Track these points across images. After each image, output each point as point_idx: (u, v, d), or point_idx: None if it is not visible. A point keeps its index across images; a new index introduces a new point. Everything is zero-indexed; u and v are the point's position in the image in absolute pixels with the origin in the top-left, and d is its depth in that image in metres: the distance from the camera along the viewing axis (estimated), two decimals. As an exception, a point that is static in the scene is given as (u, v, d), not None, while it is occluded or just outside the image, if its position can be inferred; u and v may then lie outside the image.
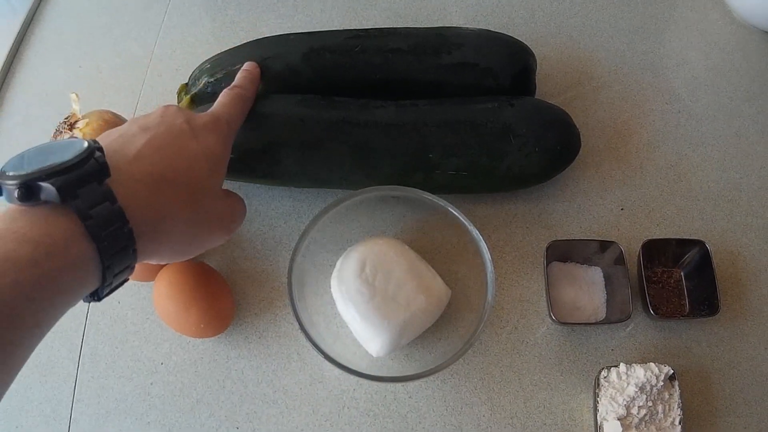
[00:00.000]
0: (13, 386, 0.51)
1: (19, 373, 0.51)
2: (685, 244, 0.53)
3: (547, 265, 0.52)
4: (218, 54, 0.58)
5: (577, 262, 0.55)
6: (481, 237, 0.48)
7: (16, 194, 0.30)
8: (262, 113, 0.53)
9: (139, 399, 0.51)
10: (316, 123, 0.52)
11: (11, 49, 0.69)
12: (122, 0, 0.73)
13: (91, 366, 0.53)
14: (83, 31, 0.71)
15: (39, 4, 0.73)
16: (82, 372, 0.53)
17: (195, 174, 0.39)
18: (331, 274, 0.52)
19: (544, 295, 0.52)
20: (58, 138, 0.54)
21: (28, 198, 0.30)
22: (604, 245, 0.53)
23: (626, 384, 0.48)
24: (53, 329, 0.53)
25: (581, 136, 0.56)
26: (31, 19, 0.72)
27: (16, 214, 0.31)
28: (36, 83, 0.68)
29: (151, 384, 0.52)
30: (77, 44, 0.70)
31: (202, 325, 0.50)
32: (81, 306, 0.55)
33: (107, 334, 0.54)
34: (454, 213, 0.49)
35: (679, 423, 0.47)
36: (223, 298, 0.52)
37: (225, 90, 0.49)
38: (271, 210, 0.58)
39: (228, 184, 0.59)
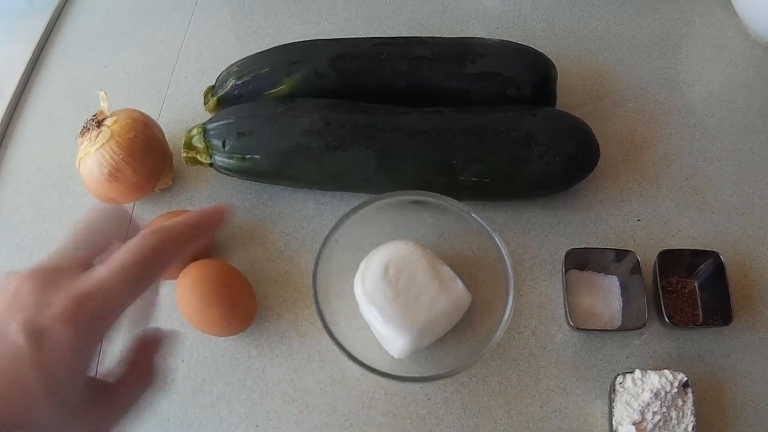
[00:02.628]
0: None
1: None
2: (699, 255, 0.54)
3: (565, 272, 0.53)
4: (246, 57, 0.59)
5: (595, 271, 0.56)
6: (503, 243, 0.49)
7: None
8: (288, 116, 0.54)
9: (158, 396, 0.52)
10: (342, 126, 0.53)
11: (36, 47, 0.70)
12: (149, 1, 0.74)
13: (111, 363, 0.53)
14: (110, 31, 0.73)
15: (65, 3, 0.74)
16: (102, 367, 0.53)
17: (31, 417, 0.27)
18: (354, 276, 0.53)
19: (562, 302, 0.53)
20: (86, 135, 0.55)
21: None
22: (621, 254, 0.54)
23: (641, 390, 0.48)
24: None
25: (600, 148, 0.57)
26: (57, 18, 0.73)
27: None
28: (62, 81, 0.69)
29: (172, 381, 0.52)
30: (103, 44, 0.71)
31: (225, 323, 0.51)
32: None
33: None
34: (477, 219, 0.50)
35: (692, 430, 0.47)
36: (245, 295, 0.53)
37: (133, 240, 0.31)
38: (295, 212, 0.59)
39: (252, 186, 0.60)
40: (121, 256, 0.30)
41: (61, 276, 0.30)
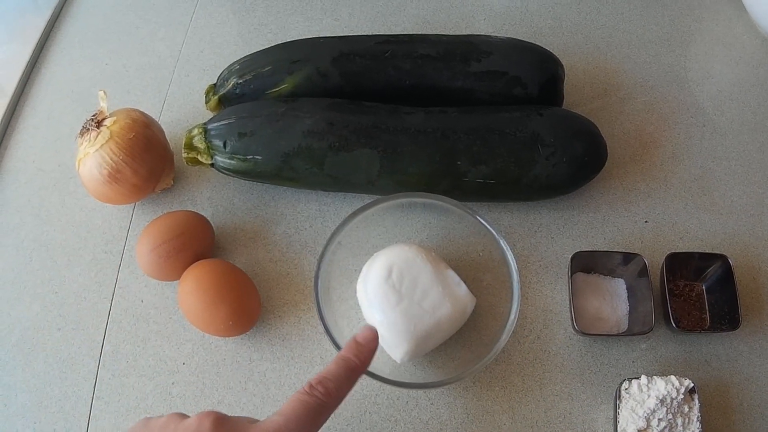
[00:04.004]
0: (33, 382, 0.52)
1: (39, 369, 0.52)
2: (707, 258, 0.54)
3: (571, 275, 0.53)
4: (248, 55, 0.59)
5: (601, 274, 0.55)
6: (508, 246, 0.48)
7: None
8: (290, 116, 0.53)
9: (159, 398, 0.51)
10: (345, 127, 0.53)
11: (36, 45, 0.69)
12: (149, -1, 0.73)
13: (111, 364, 0.53)
14: (110, 29, 0.72)
15: (65, 2, 0.73)
16: (102, 369, 0.53)
17: None
18: (357, 279, 0.52)
19: (568, 306, 0.52)
20: (85, 136, 0.54)
21: None
22: (628, 257, 0.53)
23: (647, 396, 0.48)
24: (74, 325, 0.53)
25: (607, 148, 0.56)
26: (57, 16, 0.73)
27: None
28: (62, 80, 0.68)
29: (173, 384, 0.52)
30: (104, 42, 0.71)
31: (230, 322, 0.50)
32: (103, 303, 0.55)
33: (129, 333, 0.54)
34: (482, 222, 0.50)
35: (699, 436, 0.47)
36: (250, 293, 0.52)
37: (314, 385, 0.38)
38: (297, 213, 0.59)
39: (254, 186, 0.60)
40: (293, 406, 0.36)
41: (241, 421, 0.37)
